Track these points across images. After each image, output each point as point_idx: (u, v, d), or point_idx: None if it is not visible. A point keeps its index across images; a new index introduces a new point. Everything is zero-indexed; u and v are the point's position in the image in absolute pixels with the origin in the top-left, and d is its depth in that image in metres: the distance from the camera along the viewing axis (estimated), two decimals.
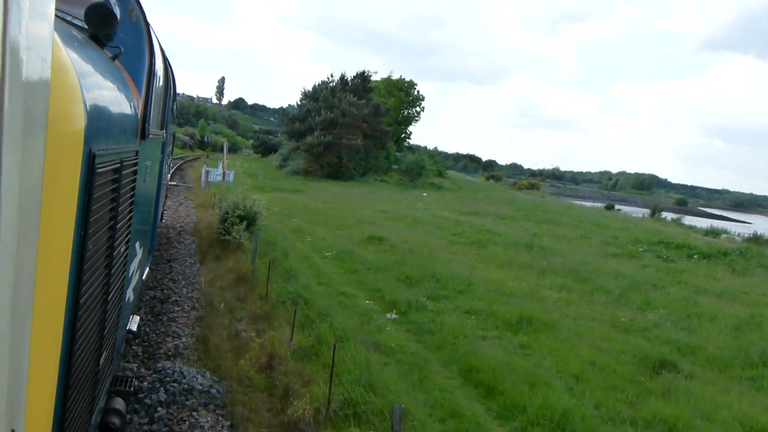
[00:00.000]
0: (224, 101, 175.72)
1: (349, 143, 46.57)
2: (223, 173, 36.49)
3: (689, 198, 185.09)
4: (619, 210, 51.97)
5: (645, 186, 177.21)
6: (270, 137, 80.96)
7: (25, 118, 1.12)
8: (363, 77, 51.84)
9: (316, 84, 57.09)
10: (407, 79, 67.40)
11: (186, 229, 16.36)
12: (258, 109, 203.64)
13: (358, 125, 48.80)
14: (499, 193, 58.29)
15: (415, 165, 50.43)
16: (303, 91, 66.66)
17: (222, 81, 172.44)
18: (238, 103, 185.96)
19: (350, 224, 21.68)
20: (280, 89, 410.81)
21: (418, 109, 66.33)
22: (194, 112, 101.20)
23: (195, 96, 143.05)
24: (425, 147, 79.12)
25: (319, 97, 53.27)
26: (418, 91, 65.70)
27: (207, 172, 30.06)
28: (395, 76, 63.66)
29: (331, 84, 51.91)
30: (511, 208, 37.45)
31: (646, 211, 49.08)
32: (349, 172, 47.90)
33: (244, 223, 13.88)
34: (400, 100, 62.05)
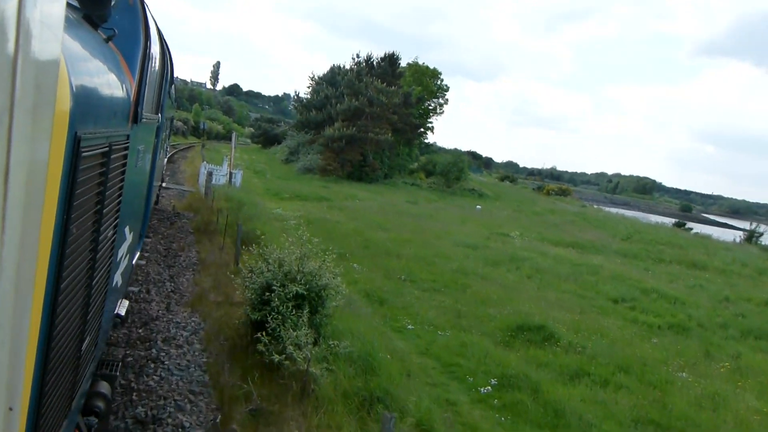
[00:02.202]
0: (219, 87, 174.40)
1: (376, 138, 36.47)
2: (230, 174, 28.49)
3: (683, 202, 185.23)
4: (692, 230, 43.22)
5: (647, 190, 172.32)
6: (272, 126, 70.40)
7: (36, 95, 1.12)
8: (392, 60, 42.48)
9: (335, 66, 46.74)
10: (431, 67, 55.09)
11: (179, 310, 9.47)
12: (253, 96, 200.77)
13: (387, 116, 38.88)
14: (543, 203, 52.16)
15: (453, 167, 40.58)
16: (312, 76, 56.39)
17: (217, 66, 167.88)
18: (233, 89, 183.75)
19: (449, 280, 15.49)
20: (275, 77, 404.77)
21: (441, 101, 55.70)
22: (188, 96, 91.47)
23: (189, 80, 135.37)
24: (434, 144, 68.70)
25: (339, 81, 42.80)
26: (442, 80, 55.50)
27: (210, 173, 23.12)
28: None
29: (356, 66, 41.29)
30: (603, 232, 33.26)
31: (737, 234, 40.60)
32: (375, 173, 37.84)
33: (305, 311, 7.20)
34: (429, 89, 51.72)
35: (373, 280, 13.17)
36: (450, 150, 66.32)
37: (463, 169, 47.06)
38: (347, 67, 51.19)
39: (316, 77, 54.76)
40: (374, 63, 46.50)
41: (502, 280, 15.21)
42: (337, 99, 45.16)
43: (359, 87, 42.74)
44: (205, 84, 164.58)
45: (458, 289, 13.66)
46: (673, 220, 53.55)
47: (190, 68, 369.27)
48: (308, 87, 55.19)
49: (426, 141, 61.41)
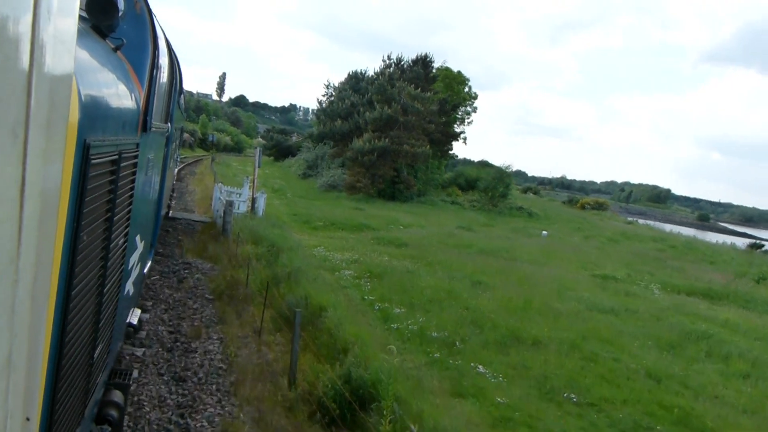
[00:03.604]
0: (225, 98, 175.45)
1: (412, 150, 29.86)
2: (252, 200, 22.37)
3: (693, 211, 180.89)
4: None
5: (661, 199, 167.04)
6: (285, 138, 64.48)
7: (51, 108, 1.18)
8: (425, 63, 36.01)
9: (359, 71, 40.41)
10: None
11: None
12: (259, 107, 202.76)
13: (423, 126, 32.04)
14: (600, 223, 48.43)
15: (498, 182, 33.69)
16: (328, 83, 49.81)
17: (223, 77, 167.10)
18: (240, 100, 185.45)
19: (645, 398, 9.76)
20: (280, 88, 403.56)
21: (469, 109, 49.34)
22: (194, 107, 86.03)
23: (195, 91, 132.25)
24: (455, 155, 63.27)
25: (364, 87, 36.23)
26: (470, 87, 49.29)
27: (230, 202, 17.36)
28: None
29: (387, 70, 34.88)
30: (714, 268, 28.17)
31: None
32: (409, 190, 31.21)
33: None
34: (461, 96, 45.44)
35: (524, 404, 7.92)
36: (471, 161, 59.95)
37: (509, 185, 40.65)
38: (369, 73, 44.76)
39: (332, 85, 48.48)
40: (405, 66, 39.90)
41: (724, 395, 9.57)
42: (365, 107, 38.60)
43: (391, 93, 36.30)
44: (211, 95, 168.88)
45: (676, 422, 7.20)
46: (721, 234, 47.99)
47: (195, 80, 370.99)
48: (323, 95, 49.11)
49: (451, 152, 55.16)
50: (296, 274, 13.30)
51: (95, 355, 3.18)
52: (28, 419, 1.23)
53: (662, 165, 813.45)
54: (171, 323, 9.95)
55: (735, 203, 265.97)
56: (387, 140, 38.14)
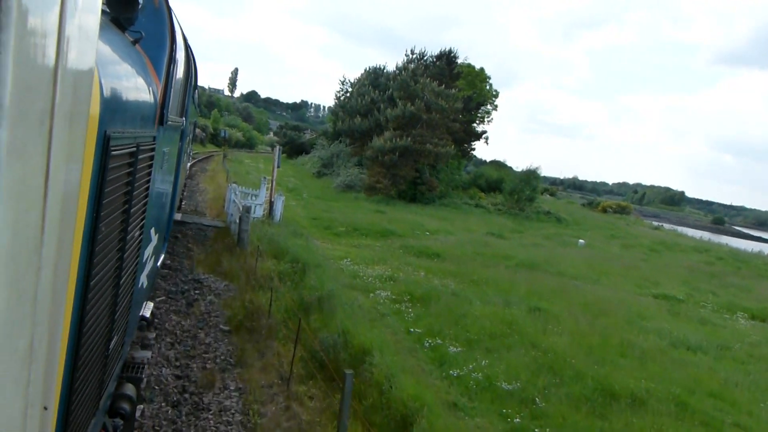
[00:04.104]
0: (236, 93, 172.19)
1: (436, 150, 27.63)
2: (270, 203, 20.57)
3: (706, 214, 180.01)
4: None
5: (674, 201, 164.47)
6: (298, 134, 62.67)
7: (74, 100, 1.20)
8: (449, 59, 33.81)
9: (378, 66, 38.33)
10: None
11: None
12: (271, 103, 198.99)
13: (447, 124, 29.80)
14: (632, 230, 45.24)
15: (525, 185, 31.32)
16: (344, 79, 47.96)
17: (235, 72, 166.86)
18: (251, 96, 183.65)
19: None
20: (291, 84, 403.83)
21: (489, 107, 46.97)
22: (206, 102, 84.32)
23: (206, 87, 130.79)
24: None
25: (383, 84, 34.14)
26: (491, 84, 47.06)
27: (248, 207, 15.13)
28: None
29: (410, 65, 32.71)
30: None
31: None
32: (432, 192, 29.07)
33: None
34: (483, 94, 43.19)
35: None
36: (483, 161, 57.55)
37: (536, 188, 38.16)
38: (388, 68, 42.41)
39: (348, 81, 46.23)
40: (428, 61, 37.51)
41: None
42: (386, 103, 36.25)
43: (415, 89, 33.89)
44: (222, 91, 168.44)
45: None
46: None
47: (207, 75, 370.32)
48: (339, 91, 46.98)
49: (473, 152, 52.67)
50: (328, 299, 11.07)
51: (110, 347, 3.21)
52: (46, 408, 1.25)
53: (674, 166, 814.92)
54: (178, 364, 8.23)
55: (748, 206, 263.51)
56: (409, 139, 36.32)
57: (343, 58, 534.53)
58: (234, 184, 20.43)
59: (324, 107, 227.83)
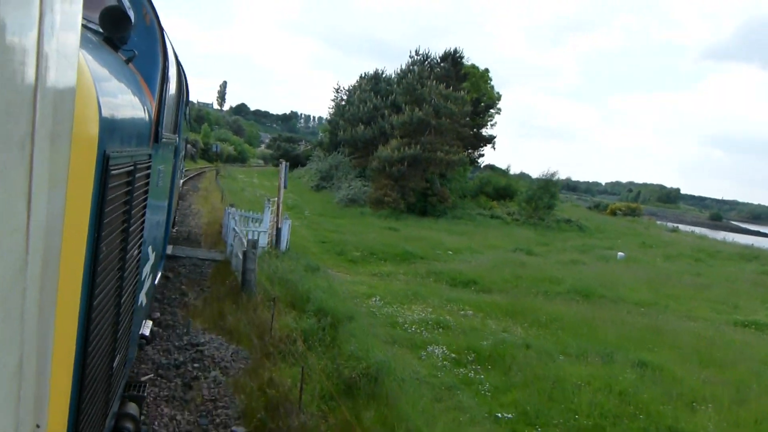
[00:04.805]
0: (226, 107, 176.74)
1: (447, 158, 24.49)
2: (277, 230, 17.55)
3: (701, 210, 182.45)
4: None
5: (671, 199, 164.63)
6: (292, 146, 60.11)
7: (54, 121, 1.21)
8: (454, 60, 30.90)
9: (378, 71, 35.73)
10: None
11: None
12: (261, 115, 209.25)
13: (457, 129, 26.63)
14: (662, 236, 41.74)
15: (543, 192, 28.08)
16: (338, 87, 45.52)
17: (224, 86, 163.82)
18: (241, 109, 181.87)
19: None
20: (281, 96, 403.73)
21: (494, 110, 44.62)
22: (196, 116, 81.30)
23: (195, 101, 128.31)
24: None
25: (385, 89, 31.33)
26: (493, 87, 44.52)
27: (254, 242, 11.50)
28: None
29: (415, 67, 29.83)
30: None
31: None
32: (444, 204, 25.86)
33: None
34: (489, 96, 40.74)
35: None
36: (478, 167, 54.82)
37: (554, 194, 35.21)
38: (387, 73, 39.62)
39: (343, 88, 43.59)
40: (433, 63, 34.61)
41: None
42: (389, 109, 33.29)
43: (422, 93, 30.87)
44: (212, 104, 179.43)
45: None
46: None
47: (196, 89, 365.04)
48: (334, 99, 44.33)
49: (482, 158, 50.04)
50: (378, 375, 7.95)
51: (114, 366, 3.26)
52: (38, 426, 1.28)
53: (665, 164, 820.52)
54: None
55: (740, 200, 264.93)
56: (418, 147, 33.35)
57: (332, 68, 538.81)
58: (231, 208, 17.23)
59: (314, 117, 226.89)
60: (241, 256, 13.20)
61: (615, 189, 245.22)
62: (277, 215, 18.70)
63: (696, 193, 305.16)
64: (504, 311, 14.55)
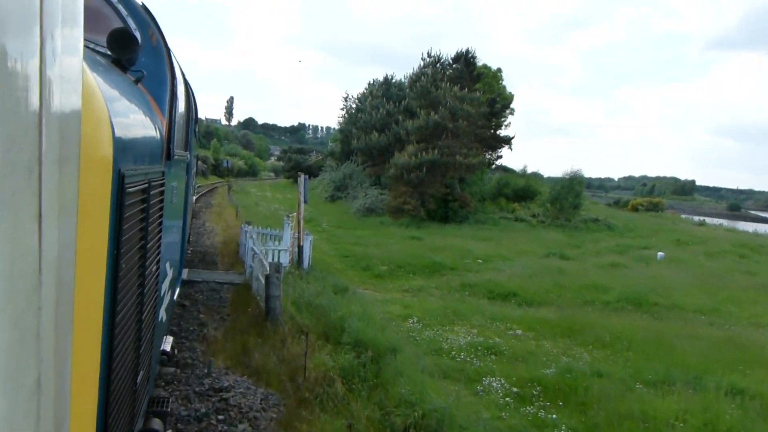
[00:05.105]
0: (233, 122, 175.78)
1: (467, 161, 22.95)
2: (299, 247, 16.42)
3: (716, 200, 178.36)
4: None
5: (686, 191, 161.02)
6: (304, 157, 59.15)
7: (61, 145, 1.22)
8: (467, 60, 29.33)
9: (388, 76, 34.53)
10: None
11: None
12: (269, 129, 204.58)
13: (475, 132, 25.09)
14: (673, 226, 41.45)
15: (568, 193, 26.47)
16: (347, 95, 45.12)
17: (231, 101, 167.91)
18: (249, 123, 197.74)
19: None
20: (287, 108, 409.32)
21: (507, 111, 43.37)
22: (204, 132, 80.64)
23: (204, 117, 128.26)
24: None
25: (396, 94, 30.10)
26: (505, 87, 43.05)
27: (277, 266, 10.16)
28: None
29: (428, 70, 28.55)
30: None
31: None
32: (465, 209, 24.31)
33: None
34: (503, 96, 39.48)
35: None
36: (507, 169, 53.41)
37: (579, 194, 33.69)
38: (397, 78, 38.59)
39: (352, 97, 42.76)
40: (445, 64, 33.39)
41: None
42: (403, 115, 32.13)
43: (437, 96, 29.63)
44: (220, 120, 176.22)
45: None
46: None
47: (204, 106, 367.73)
48: (344, 108, 43.48)
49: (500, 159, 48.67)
50: (438, 426, 6.67)
51: (138, 382, 3.29)
52: None
53: (677, 156, 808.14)
54: None
55: (756, 189, 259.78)
56: (436, 152, 32.27)
57: (337, 79, 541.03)
58: (248, 226, 15.99)
59: (321, 128, 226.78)
60: (262, 279, 11.98)
61: (628, 184, 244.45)
62: (299, 232, 17.53)
63: (711, 184, 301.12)
64: (558, 329, 13.42)
